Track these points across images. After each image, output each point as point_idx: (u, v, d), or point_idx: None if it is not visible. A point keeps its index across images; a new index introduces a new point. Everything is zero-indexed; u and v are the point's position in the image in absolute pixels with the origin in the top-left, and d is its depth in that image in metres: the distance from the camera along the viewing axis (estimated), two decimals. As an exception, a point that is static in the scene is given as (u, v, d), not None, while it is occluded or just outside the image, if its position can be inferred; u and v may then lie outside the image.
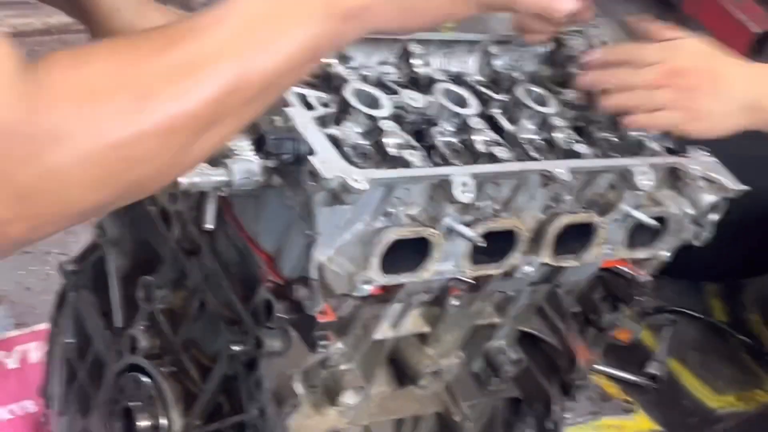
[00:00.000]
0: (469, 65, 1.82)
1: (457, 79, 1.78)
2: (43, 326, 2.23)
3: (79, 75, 1.04)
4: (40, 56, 1.04)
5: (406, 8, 1.34)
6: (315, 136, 1.45)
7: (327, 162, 1.43)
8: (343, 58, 1.67)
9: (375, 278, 1.51)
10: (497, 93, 1.77)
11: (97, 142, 1.03)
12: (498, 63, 1.81)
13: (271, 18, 1.19)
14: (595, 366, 2.44)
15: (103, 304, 1.91)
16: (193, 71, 1.12)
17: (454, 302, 1.73)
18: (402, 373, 1.85)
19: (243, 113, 1.20)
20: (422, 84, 1.71)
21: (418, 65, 1.73)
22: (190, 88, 1.11)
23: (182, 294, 1.78)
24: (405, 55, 1.73)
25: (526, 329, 1.94)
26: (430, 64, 1.77)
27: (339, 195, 1.43)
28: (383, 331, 1.75)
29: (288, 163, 1.45)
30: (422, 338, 1.83)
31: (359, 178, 1.43)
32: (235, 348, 1.62)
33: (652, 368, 3.06)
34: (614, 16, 4.26)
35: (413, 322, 1.80)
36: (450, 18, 1.45)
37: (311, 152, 1.44)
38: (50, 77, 1.02)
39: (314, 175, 1.42)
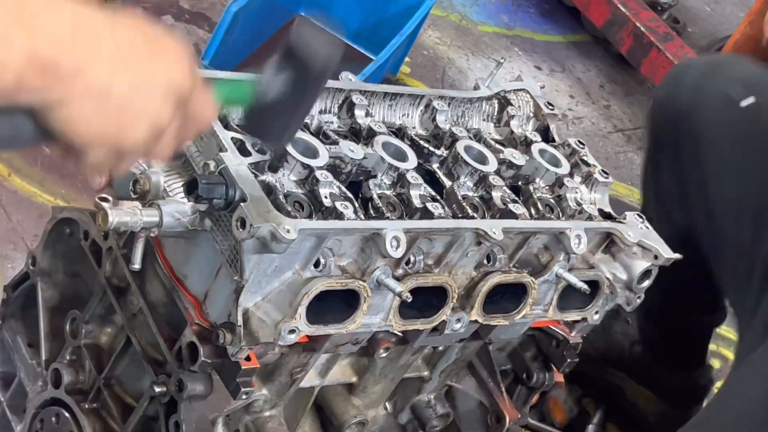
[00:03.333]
0: (413, 118, 1.83)
1: (399, 131, 1.78)
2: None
3: None
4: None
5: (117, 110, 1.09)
6: (247, 183, 1.45)
7: (257, 209, 1.42)
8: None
9: (301, 328, 1.50)
10: (438, 148, 1.77)
11: None
12: (441, 118, 1.81)
13: None
14: (530, 421, 2.44)
15: (30, 335, 1.88)
16: None
17: (383, 354, 1.72)
18: (327, 421, 1.84)
19: None
20: (363, 135, 1.72)
21: (360, 116, 1.73)
22: None
23: (109, 330, 1.76)
24: (348, 105, 1.73)
25: (455, 384, 1.94)
26: (373, 115, 1.77)
27: (268, 243, 1.43)
28: (310, 379, 1.75)
29: (219, 208, 1.44)
30: (350, 388, 1.83)
31: (289, 227, 1.42)
32: (157, 389, 1.60)
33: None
34: (572, 73, 4.31)
35: (341, 372, 1.80)
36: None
37: (243, 198, 1.43)
38: None
39: (244, 221, 1.41)
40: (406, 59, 3.77)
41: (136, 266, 1.51)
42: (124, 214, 1.45)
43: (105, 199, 1.53)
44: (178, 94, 1.13)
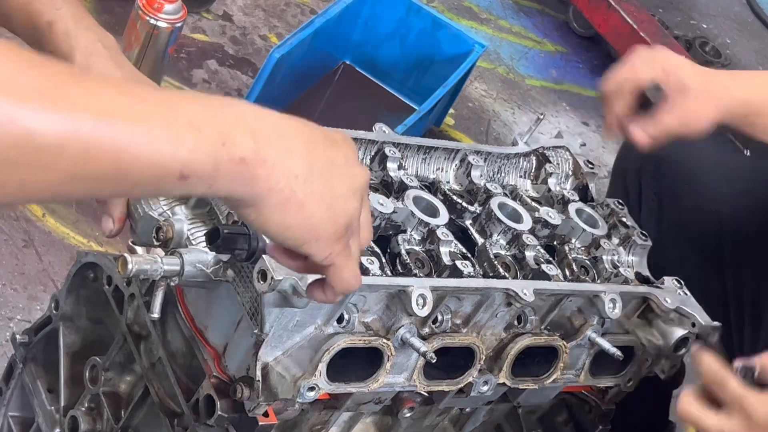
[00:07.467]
0: (447, 172, 1.78)
1: (432, 185, 1.74)
2: None
3: None
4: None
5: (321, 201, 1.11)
6: (271, 234, 1.41)
7: (280, 262, 1.38)
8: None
9: (320, 385, 1.46)
10: (472, 204, 1.73)
11: None
12: (476, 173, 1.77)
13: (158, 111, 0.98)
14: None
15: (50, 380, 1.85)
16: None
17: (407, 414, 1.67)
18: (348, 482, 1.79)
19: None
20: (394, 188, 1.68)
21: (393, 169, 1.69)
22: None
23: (129, 379, 1.73)
24: (380, 158, 1.70)
25: (482, 447, 1.89)
26: (406, 168, 1.73)
27: (289, 297, 1.39)
28: (331, 438, 1.70)
29: (240, 259, 1.40)
30: (373, 448, 1.78)
31: (311, 281, 1.38)
32: (173, 442, 1.56)
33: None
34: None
35: (364, 430, 1.75)
36: None
37: (265, 250, 1.39)
38: None
39: (265, 274, 1.37)
40: (451, 111, 3.74)
41: (155, 315, 1.48)
42: (144, 262, 1.42)
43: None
44: (362, 189, 1.15)
